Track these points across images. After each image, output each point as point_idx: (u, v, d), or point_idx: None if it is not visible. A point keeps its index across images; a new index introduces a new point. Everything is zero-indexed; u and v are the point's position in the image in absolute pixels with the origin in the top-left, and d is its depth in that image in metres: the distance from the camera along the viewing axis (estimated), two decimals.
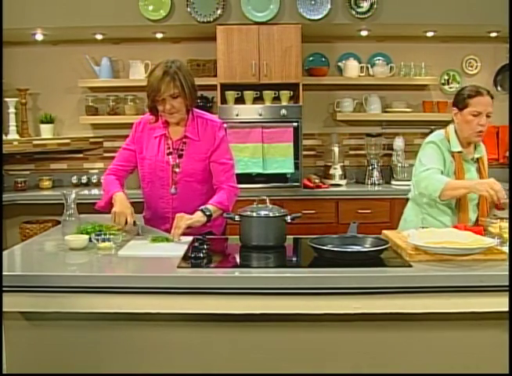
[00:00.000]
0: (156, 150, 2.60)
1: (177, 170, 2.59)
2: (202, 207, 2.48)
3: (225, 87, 4.34)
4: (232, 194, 2.61)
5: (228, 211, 2.55)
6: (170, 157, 2.59)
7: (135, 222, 2.48)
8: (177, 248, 2.27)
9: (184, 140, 2.60)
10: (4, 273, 1.93)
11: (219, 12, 4.17)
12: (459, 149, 2.72)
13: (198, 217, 2.42)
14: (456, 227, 2.33)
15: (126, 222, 2.44)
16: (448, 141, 2.74)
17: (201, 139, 2.60)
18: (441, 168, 2.68)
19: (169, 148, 2.60)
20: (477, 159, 2.80)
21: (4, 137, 4.37)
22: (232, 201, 2.61)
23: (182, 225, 2.35)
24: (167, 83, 2.43)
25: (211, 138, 2.60)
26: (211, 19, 4.18)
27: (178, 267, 2.02)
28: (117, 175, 2.68)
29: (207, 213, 2.45)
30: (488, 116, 2.69)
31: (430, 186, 2.58)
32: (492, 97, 2.74)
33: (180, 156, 2.59)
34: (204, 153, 2.59)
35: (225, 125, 4.02)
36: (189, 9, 4.16)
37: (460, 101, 2.73)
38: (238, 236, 2.38)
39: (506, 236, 2.26)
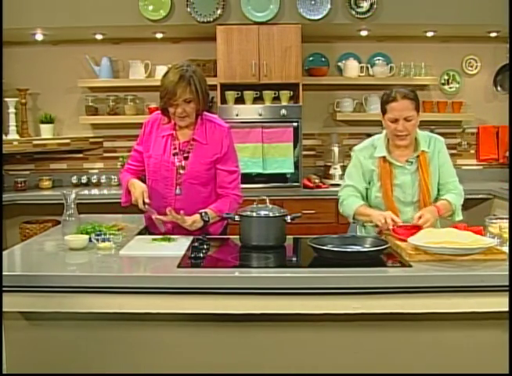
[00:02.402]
0: (162, 149, 2.61)
1: (181, 171, 2.59)
2: (202, 211, 2.50)
3: (225, 87, 4.34)
4: (235, 203, 2.64)
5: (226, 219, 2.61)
6: (175, 157, 2.60)
7: (144, 201, 2.48)
8: (177, 248, 2.27)
9: (191, 142, 2.60)
10: (4, 273, 1.94)
11: (219, 12, 4.17)
12: (383, 154, 2.61)
13: (196, 219, 2.47)
14: (455, 227, 2.33)
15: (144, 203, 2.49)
16: (372, 147, 2.66)
17: (209, 143, 2.60)
18: (359, 184, 2.66)
19: (175, 148, 2.60)
20: (417, 159, 2.62)
21: (4, 137, 4.37)
22: (233, 210, 2.60)
23: (177, 216, 2.41)
24: (183, 87, 2.43)
25: (218, 143, 2.60)
26: (211, 19, 4.18)
27: (178, 267, 2.02)
28: (131, 173, 2.73)
29: (205, 219, 2.49)
30: (407, 120, 2.52)
31: (345, 212, 2.68)
32: (413, 99, 2.55)
33: (186, 158, 2.59)
34: (210, 157, 2.60)
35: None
36: (189, 9, 4.16)
37: (381, 106, 2.62)
38: (238, 236, 2.38)
39: (506, 236, 2.26)
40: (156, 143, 2.63)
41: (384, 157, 2.62)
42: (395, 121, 2.54)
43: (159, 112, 2.65)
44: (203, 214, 2.49)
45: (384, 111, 2.59)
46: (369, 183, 2.68)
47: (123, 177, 2.73)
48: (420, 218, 2.42)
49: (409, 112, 2.53)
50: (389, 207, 2.58)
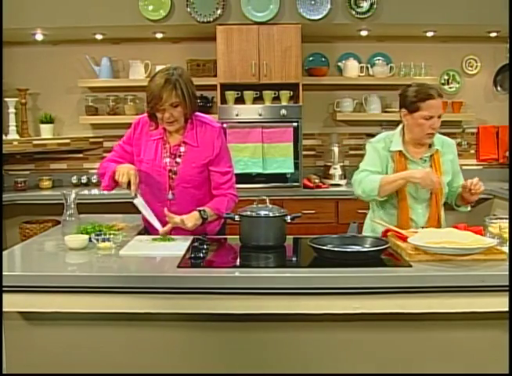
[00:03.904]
0: (153, 153, 2.58)
1: (174, 176, 2.57)
2: (200, 208, 2.49)
3: (225, 87, 4.34)
4: (232, 202, 2.63)
5: (222, 218, 2.60)
6: (167, 161, 2.57)
7: (129, 181, 2.40)
8: (177, 248, 2.27)
9: (182, 145, 2.57)
10: (4, 273, 1.93)
11: (219, 12, 4.18)
12: (399, 148, 2.63)
13: (195, 218, 2.45)
14: (455, 227, 2.33)
15: (129, 184, 2.41)
16: (388, 141, 2.67)
17: (200, 145, 2.57)
18: (377, 169, 2.64)
19: (166, 152, 2.58)
20: (430, 157, 2.67)
21: (4, 137, 4.37)
22: (229, 209, 2.61)
23: (176, 220, 2.39)
24: (169, 91, 2.39)
25: (210, 144, 2.57)
26: (211, 19, 4.18)
27: (178, 267, 2.02)
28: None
29: (204, 216, 2.48)
30: (439, 117, 2.59)
31: (367, 188, 2.58)
32: (442, 96, 2.61)
33: (177, 162, 2.58)
34: (203, 159, 2.57)
35: (225, 125, 4.09)
36: (188, 9, 4.16)
37: (410, 104, 2.60)
38: (238, 236, 2.38)
39: (506, 236, 2.26)
40: (147, 147, 2.60)
41: (399, 152, 2.64)
42: (430, 118, 2.57)
43: None
44: (201, 212, 2.47)
45: (414, 109, 2.58)
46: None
47: (106, 165, 2.61)
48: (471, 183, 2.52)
49: (442, 110, 2.61)
50: (401, 203, 2.61)
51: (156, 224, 2.49)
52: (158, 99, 2.40)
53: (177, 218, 2.41)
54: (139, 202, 2.50)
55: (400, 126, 2.72)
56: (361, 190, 2.62)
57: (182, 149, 2.57)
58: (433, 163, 2.65)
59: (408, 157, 2.64)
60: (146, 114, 2.64)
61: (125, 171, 2.42)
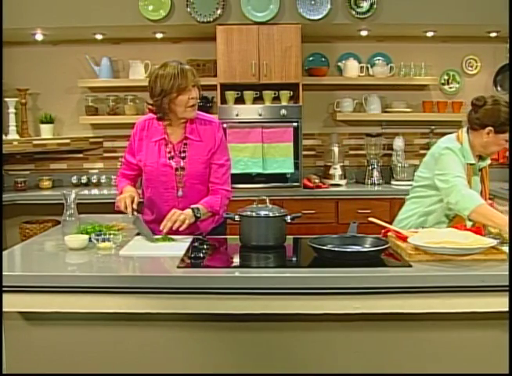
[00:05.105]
0: (156, 155, 2.59)
1: (182, 172, 2.58)
2: (193, 206, 2.49)
3: (225, 87, 4.34)
4: (225, 199, 2.64)
5: (218, 215, 2.60)
6: (172, 161, 2.58)
7: (133, 209, 2.47)
8: (177, 248, 2.27)
9: (185, 142, 2.59)
10: (4, 273, 1.94)
11: (219, 12, 4.18)
12: (473, 161, 2.67)
13: (189, 216, 2.44)
14: (455, 227, 2.33)
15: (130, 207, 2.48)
16: (463, 152, 2.65)
17: (203, 140, 2.60)
18: (464, 176, 2.59)
19: (170, 152, 2.59)
20: (481, 169, 2.77)
21: (4, 137, 4.37)
22: (224, 205, 2.63)
23: (177, 221, 2.38)
24: (190, 72, 2.48)
25: (212, 138, 2.61)
26: (211, 19, 4.18)
27: (178, 267, 2.02)
28: (126, 178, 2.75)
29: (197, 215, 2.47)
30: None
31: (462, 203, 2.47)
32: None
33: (183, 158, 2.59)
34: (206, 154, 2.60)
35: (225, 125, 4.09)
36: (188, 9, 4.16)
37: (500, 124, 2.61)
38: (238, 236, 2.38)
39: (506, 236, 2.26)
40: (148, 151, 2.61)
41: (472, 165, 2.68)
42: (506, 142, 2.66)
43: (145, 118, 2.64)
44: (195, 210, 2.48)
45: (503, 130, 2.62)
46: None
47: (119, 182, 2.75)
48: None
49: None
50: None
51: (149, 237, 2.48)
52: (182, 80, 2.45)
53: (182, 217, 2.40)
54: (135, 219, 2.51)
55: (466, 138, 2.69)
56: (455, 200, 2.50)
57: (186, 145, 2.59)
58: (484, 173, 2.76)
59: (474, 170, 2.70)
60: (140, 121, 2.67)
61: (122, 199, 2.50)
